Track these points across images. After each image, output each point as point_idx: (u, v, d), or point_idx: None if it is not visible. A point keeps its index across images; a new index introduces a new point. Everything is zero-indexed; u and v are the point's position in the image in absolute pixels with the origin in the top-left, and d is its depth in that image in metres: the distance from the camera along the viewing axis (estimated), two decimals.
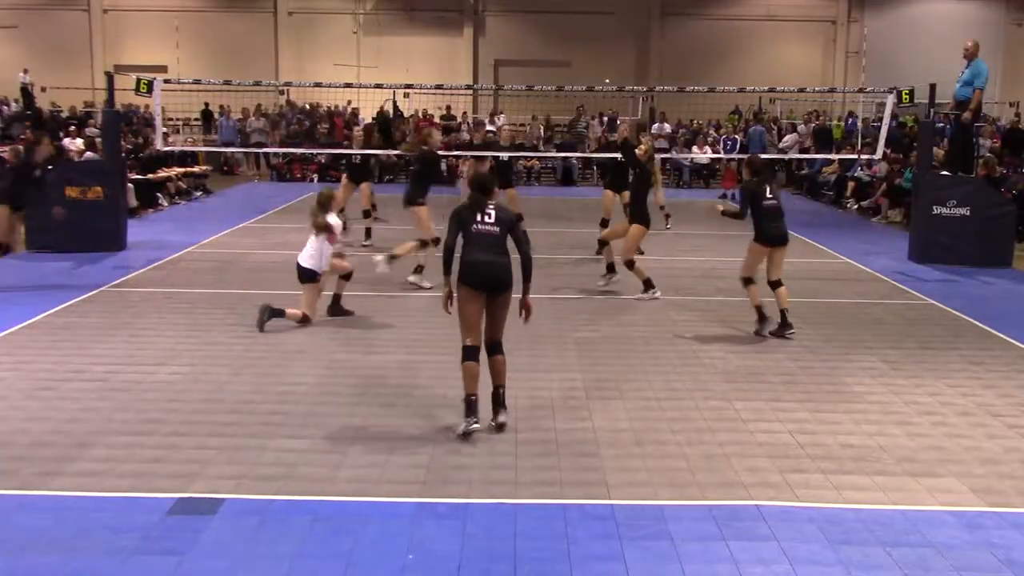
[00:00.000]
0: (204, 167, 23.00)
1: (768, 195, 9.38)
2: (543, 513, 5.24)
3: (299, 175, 24.83)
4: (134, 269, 12.00)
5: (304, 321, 9.26)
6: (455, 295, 6.54)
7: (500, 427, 6.47)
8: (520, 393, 7.33)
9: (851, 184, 20.87)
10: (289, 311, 9.18)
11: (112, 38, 35.32)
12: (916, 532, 5.08)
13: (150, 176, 19.15)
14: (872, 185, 20.11)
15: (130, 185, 15.90)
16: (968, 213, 13.36)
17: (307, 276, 9.31)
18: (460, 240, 6.57)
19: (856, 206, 20.32)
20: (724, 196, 22.64)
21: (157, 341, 8.71)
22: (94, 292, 10.65)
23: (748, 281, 9.46)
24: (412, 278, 11.32)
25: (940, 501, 5.50)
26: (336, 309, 9.71)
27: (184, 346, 8.53)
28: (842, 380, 7.86)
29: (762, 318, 9.28)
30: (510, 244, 6.63)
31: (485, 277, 6.47)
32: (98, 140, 17.61)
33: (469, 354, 6.45)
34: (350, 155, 15.24)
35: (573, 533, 4.99)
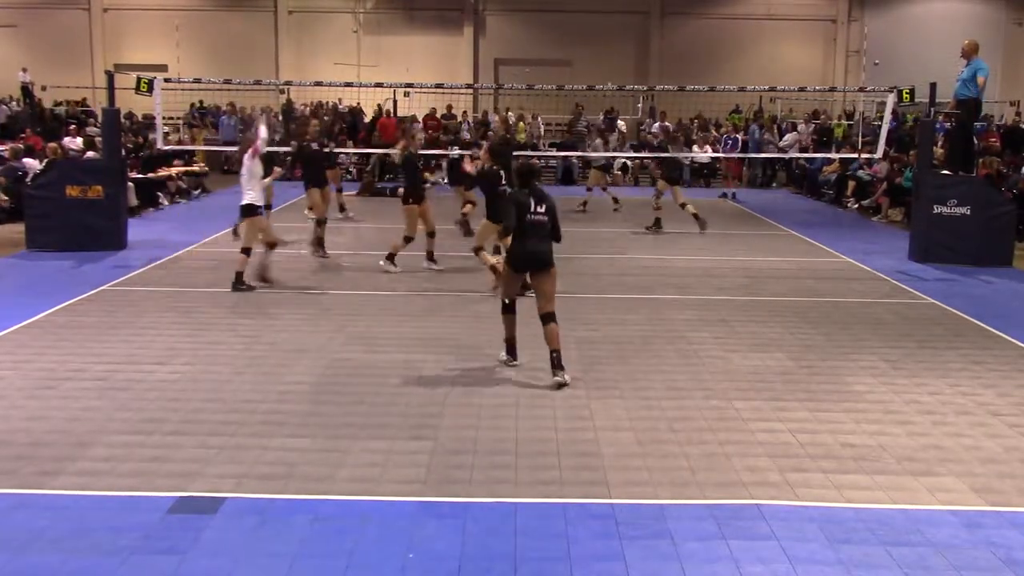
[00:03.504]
0: (203, 166, 22.94)
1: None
2: (543, 512, 5.24)
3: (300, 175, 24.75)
4: (134, 268, 12.00)
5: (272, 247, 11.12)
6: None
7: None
8: (521, 391, 7.35)
9: (851, 184, 20.87)
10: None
11: (112, 37, 35.30)
12: (916, 531, 5.08)
13: (150, 175, 19.16)
14: (873, 184, 20.10)
15: (130, 184, 15.90)
16: (968, 212, 13.35)
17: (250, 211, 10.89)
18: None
19: (856, 205, 20.33)
20: (725, 196, 22.65)
21: (157, 340, 8.71)
22: (95, 291, 10.66)
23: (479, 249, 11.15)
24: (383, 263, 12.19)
25: (940, 500, 5.50)
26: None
27: (184, 345, 8.54)
28: (843, 379, 7.86)
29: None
30: None
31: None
32: (98, 139, 17.61)
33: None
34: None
35: (573, 532, 4.99)
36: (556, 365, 7.53)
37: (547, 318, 7.68)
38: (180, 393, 7.19)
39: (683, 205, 16.50)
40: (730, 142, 25.16)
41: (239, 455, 5.98)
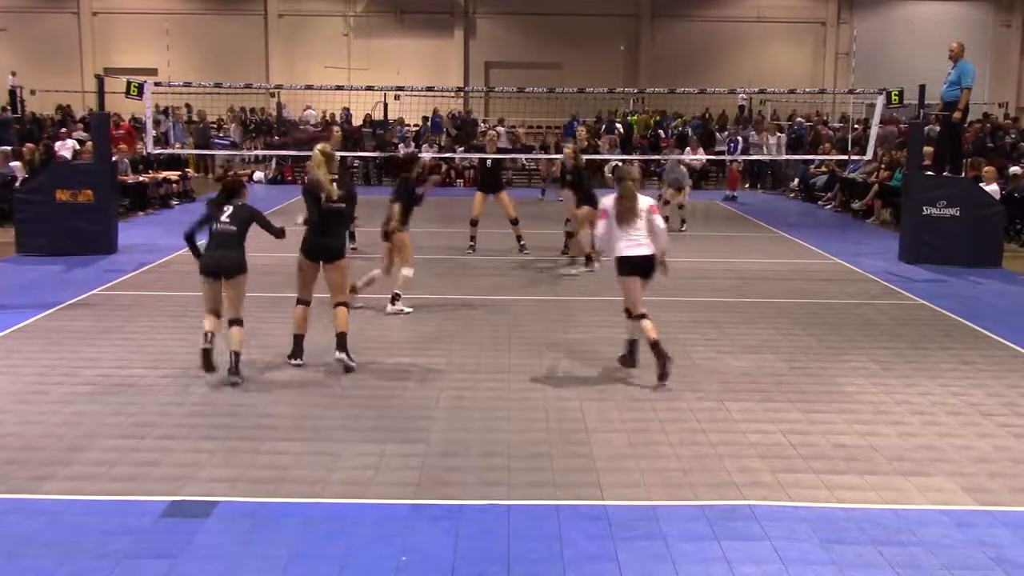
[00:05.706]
0: (191, 171, 22.93)
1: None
2: (536, 514, 5.25)
3: (290, 178, 24.81)
4: (125, 272, 11.97)
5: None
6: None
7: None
8: (513, 395, 7.35)
9: (836, 185, 21.01)
10: None
11: (101, 41, 35.25)
12: (908, 531, 5.11)
13: (141, 179, 19.12)
14: (865, 186, 20.15)
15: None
16: (957, 213, 13.42)
17: None
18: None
19: (830, 205, 20.66)
20: (732, 198, 22.66)
21: (149, 344, 8.69)
22: (85, 295, 10.62)
23: None
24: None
25: (931, 500, 5.53)
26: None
27: (176, 349, 8.51)
28: (834, 380, 7.89)
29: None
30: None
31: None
32: (88, 143, 17.57)
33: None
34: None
35: (566, 534, 5.00)
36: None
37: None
38: (172, 397, 7.18)
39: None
40: (732, 144, 25.18)
41: (231, 459, 5.97)
